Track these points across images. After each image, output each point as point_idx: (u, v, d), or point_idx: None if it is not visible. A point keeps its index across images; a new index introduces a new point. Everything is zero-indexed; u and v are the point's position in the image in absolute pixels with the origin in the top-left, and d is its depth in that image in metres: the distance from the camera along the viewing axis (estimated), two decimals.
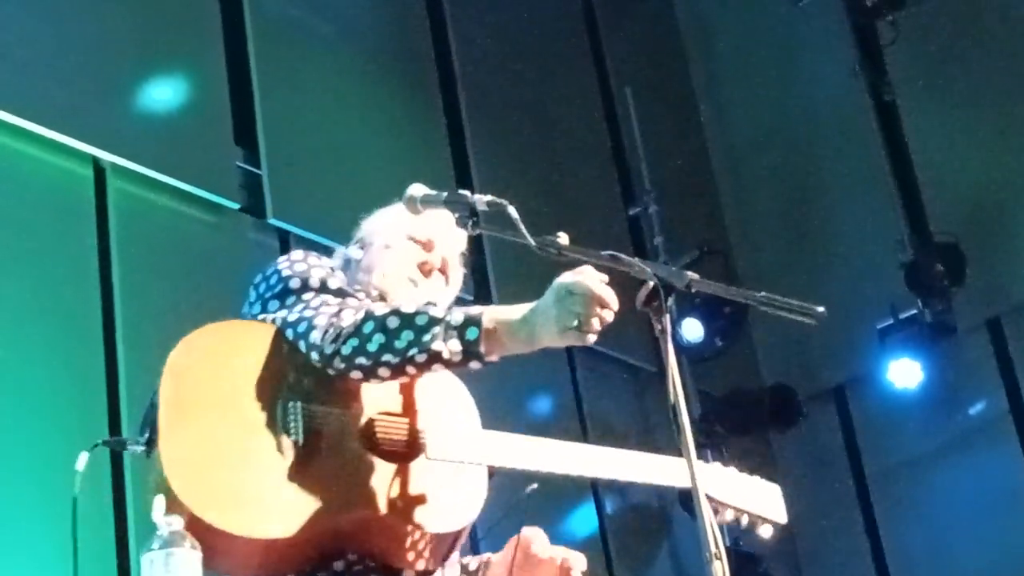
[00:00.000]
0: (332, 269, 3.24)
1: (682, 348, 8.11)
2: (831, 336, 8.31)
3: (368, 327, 2.94)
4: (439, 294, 3.41)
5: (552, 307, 2.90)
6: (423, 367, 2.94)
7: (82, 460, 3.02)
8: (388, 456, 3.08)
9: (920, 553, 8.43)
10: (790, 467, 8.98)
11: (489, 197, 3.14)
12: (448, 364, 2.93)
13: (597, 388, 7.99)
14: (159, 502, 2.80)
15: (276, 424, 2.98)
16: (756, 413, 8.58)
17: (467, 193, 3.20)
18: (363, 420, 3.08)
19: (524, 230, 3.03)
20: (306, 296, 3.12)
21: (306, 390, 3.02)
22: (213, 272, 5.95)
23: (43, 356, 5.35)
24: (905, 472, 8.56)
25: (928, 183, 8.77)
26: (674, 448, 2.94)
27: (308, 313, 3.05)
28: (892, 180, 8.86)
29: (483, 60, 8.07)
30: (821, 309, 2.96)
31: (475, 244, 7.22)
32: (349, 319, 2.99)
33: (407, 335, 2.92)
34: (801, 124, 9.32)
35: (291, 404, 2.99)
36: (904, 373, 8.45)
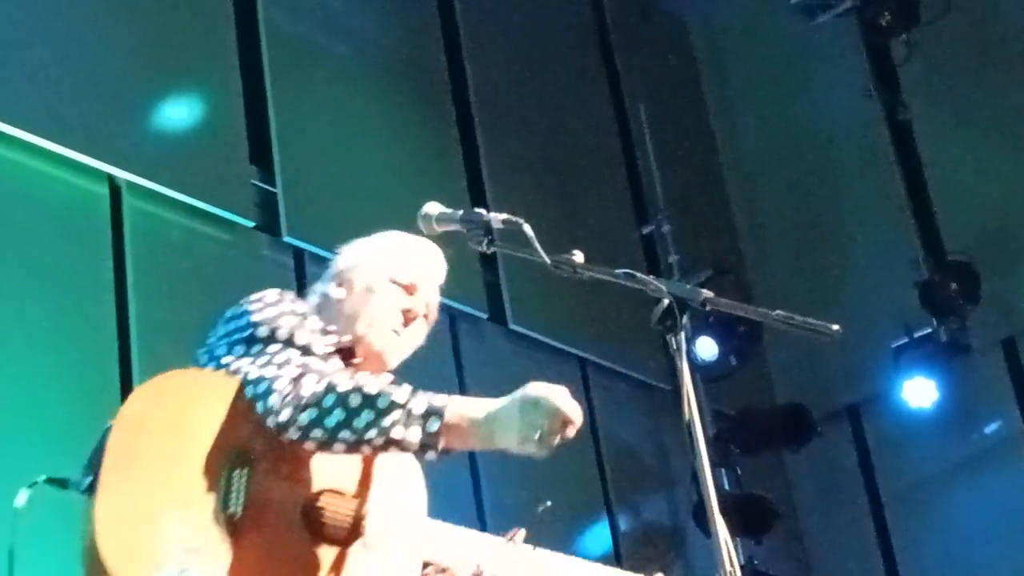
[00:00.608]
0: (304, 316, 3.15)
1: (696, 366, 8.10)
2: (845, 355, 8.29)
3: (328, 401, 2.89)
4: (418, 337, 3.38)
5: (516, 416, 2.87)
6: (379, 449, 2.90)
7: (22, 497, 2.94)
8: (329, 537, 3.00)
9: (935, 573, 8.40)
10: (804, 486, 8.96)
11: (504, 215, 3.15)
12: (404, 450, 2.89)
13: (611, 406, 7.99)
14: (171, 520, 2.80)
15: (218, 491, 2.88)
16: (770, 432, 8.57)
17: (482, 211, 3.21)
18: (310, 495, 2.99)
19: (539, 248, 3.05)
20: (271, 349, 3.04)
21: (257, 454, 2.93)
22: (228, 290, 5.91)
23: (58, 373, 5.36)
24: (919, 491, 8.53)
25: (942, 202, 8.76)
26: (687, 467, 2.95)
27: (269, 373, 2.97)
28: (906, 199, 8.85)
29: (497, 79, 8.08)
30: (835, 327, 2.96)
31: (489, 262, 7.28)
32: (310, 388, 2.92)
33: (367, 416, 2.87)
34: (815, 143, 9.32)
35: (236, 472, 2.90)
36: (918, 392, 8.43)
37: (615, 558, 7.58)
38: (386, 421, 2.86)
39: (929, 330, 8.59)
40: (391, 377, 3.04)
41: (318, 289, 3.39)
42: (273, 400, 2.92)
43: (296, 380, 2.95)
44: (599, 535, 7.62)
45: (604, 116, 8.90)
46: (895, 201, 8.86)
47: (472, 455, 6.74)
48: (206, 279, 6.03)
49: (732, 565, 2.84)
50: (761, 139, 9.56)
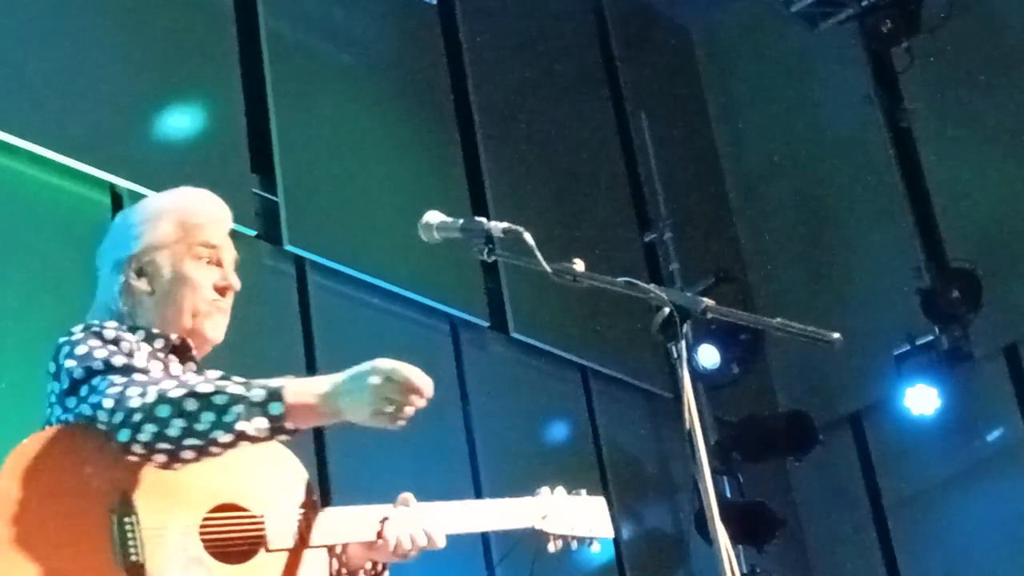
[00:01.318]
0: (115, 341, 3.04)
1: (698, 374, 8.10)
2: (847, 362, 8.30)
3: (163, 411, 2.82)
4: (229, 306, 3.27)
5: (367, 391, 2.83)
6: (228, 446, 2.84)
7: None
8: (236, 553, 2.96)
9: None
10: (806, 494, 8.96)
11: (505, 224, 3.15)
12: (255, 441, 2.85)
13: (613, 414, 7.99)
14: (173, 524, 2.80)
15: (114, 543, 2.82)
16: (772, 439, 8.56)
17: (483, 220, 3.21)
18: (204, 520, 2.93)
19: (540, 256, 3.05)
20: (94, 382, 2.95)
21: (135, 493, 2.87)
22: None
23: None
24: (922, 498, 8.53)
25: (944, 209, 8.77)
26: (689, 474, 2.94)
27: (94, 399, 2.91)
28: (908, 206, 8.86)
29: (499, 87, 8.09)
30: (837, 335, 2.97)
31: (491, 270, 7.27)
32: (136, 399, 2.85)
33: (208, 416, 2.81)
34: (816, 150, 9.32)
35: (126, 519, 2.84)
36: (921, 400, 8.43)
37: (617, 566, 7.58)
38: (228, 416, 2.81)
39: (931, 337, 8.60)
40: (219, 372, 2.97)
41: (112, 280, 3.26)
42: (104, 419, 2.86)
43: (119, 395, 2.88)
44: (602, 544, 7.60)
45: (606, 123, 8.90)
46: (897, 208, 8.86)
47: (475, 468, 6.73)
48: None
49: (734, 573, 2.84)
50: (763, 146, 9.57)
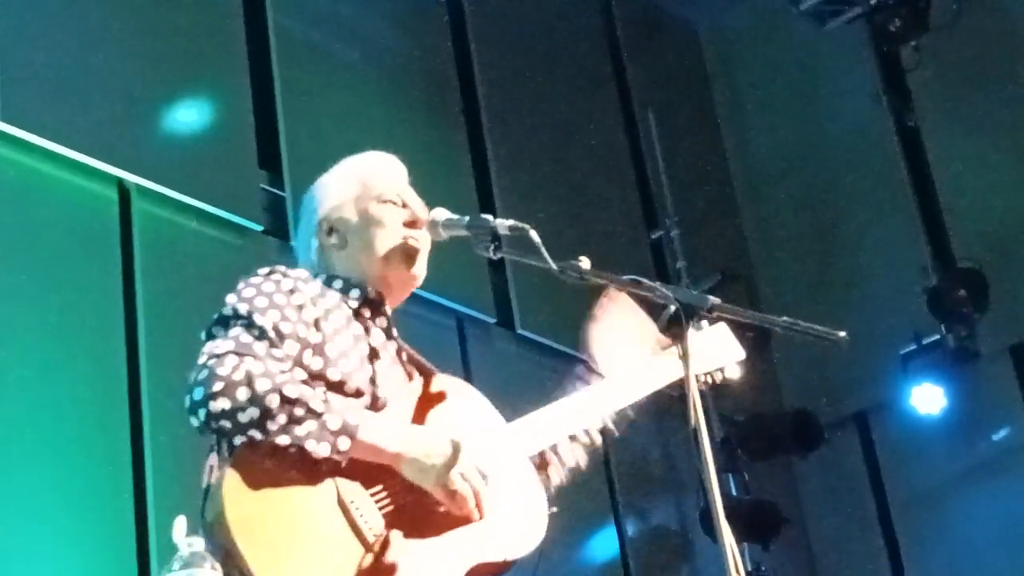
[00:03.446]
0: (289, 292, 3.05)
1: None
2: (853, 361, 8.28)
3: (243, 394, 2.80)
4: (427, 241, 3.29)
5: (431, 474, 2.90)
6: (281, 452, 2.81)
7: None
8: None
9: None
10: (812, 493, 8.96)
11: (511, 221, 3.15)
12: (306, 458, 2.82)
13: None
14: (179, 523, 2.81)
15: (354, 529, 2.84)
16: (778, 438, 8.56)
17: (489, 217, 3.22)
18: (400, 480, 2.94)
19: (546, 254, 3.05)
20: (229, 327, 2.97)
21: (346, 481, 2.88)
22: None
23: (66, 377, 5.37)
24: (927, 498, 8.52)
25: (951, 208, 8.76)
26: (695, 472, 2.95)
27: (209, 344, 2.92)
28: (915, 205, 8.85)
29: (506, 85, 8.09)
30: (843, 334, 2.97)
31: (497, 266, 7.28)
32: (227, 368, 2.82)
33: (281, 419, 2.80)
34: (824, 149, 9.31)
35: (353, 502, 2.86)
36: (927, 399, 8.43)
37: (622, 564, 7.59)
38: (299, 430, 2.80)
39: (937, 337, 8.59)
40: (303, 374, 2.94)
41: (310, 247, 3.33)
42: (195, 367, 2.87)
43: (218, 355, 2.86)
44: (606, 541, 7.62)
45: (613, 121, 8.90)
46: (904, 207, 8.85)
47: None
48: (214, 283, 5.97)
49: (739, 571, 2.84)
50: (770, 145, 9.56)
